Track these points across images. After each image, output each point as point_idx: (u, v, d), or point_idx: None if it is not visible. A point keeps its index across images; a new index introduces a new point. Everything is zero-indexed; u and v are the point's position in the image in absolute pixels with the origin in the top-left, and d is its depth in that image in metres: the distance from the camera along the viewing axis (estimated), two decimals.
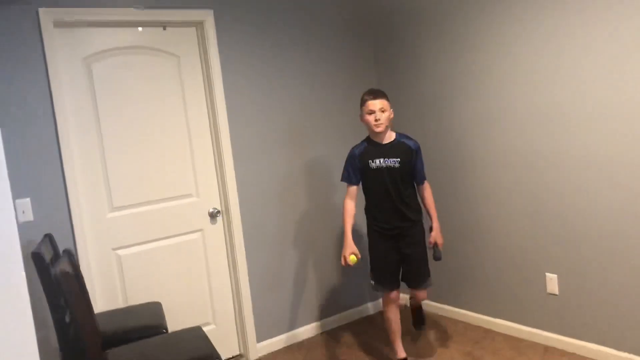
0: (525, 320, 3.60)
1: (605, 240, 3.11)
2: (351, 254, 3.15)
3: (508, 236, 3.61)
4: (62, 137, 3.05)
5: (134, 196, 3.36)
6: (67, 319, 2.50)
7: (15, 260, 1.42)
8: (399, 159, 3.20)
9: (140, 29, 3.36)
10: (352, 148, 3.32)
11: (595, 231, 3.14)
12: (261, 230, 3.77)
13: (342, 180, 3.33)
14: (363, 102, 3.21)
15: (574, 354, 3.33)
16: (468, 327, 3.89)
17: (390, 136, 3.26)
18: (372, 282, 3.34)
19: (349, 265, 3.18)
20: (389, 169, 3.20)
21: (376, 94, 3.19)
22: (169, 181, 3.47)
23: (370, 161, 3.21)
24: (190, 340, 2.41)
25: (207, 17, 3.48)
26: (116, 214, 3.30)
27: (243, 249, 3.68)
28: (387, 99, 3.21)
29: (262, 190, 3.77)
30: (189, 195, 3.56)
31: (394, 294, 3.30)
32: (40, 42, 2.98)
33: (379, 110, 3.14)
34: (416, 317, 3.65)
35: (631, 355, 3.08)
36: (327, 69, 4.06)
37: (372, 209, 3.31)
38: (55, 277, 2.06)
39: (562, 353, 3.35)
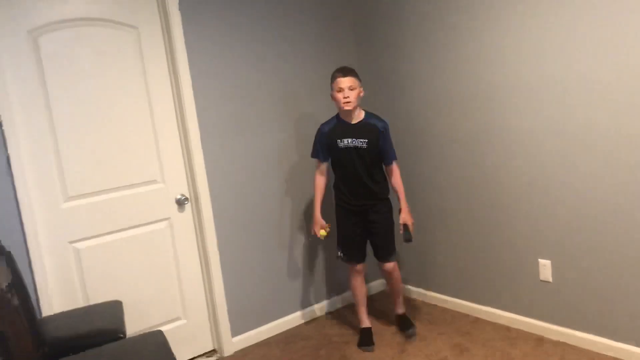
0: (516, 308, 3.39)
1: (602, 224, 2.88)
2: (321, 229, 3.33)
3: (498, 219, 3.38)
4: (5, 120, 2.73)
5: (92, 184, 3.06)
6: None
7: None
8: (366, 140, 3.21)
9: None
10: (321, 125, 3.35)
11: (592, 214, 2.91)
12: (234, 217, 3.49)
13: (311, 156, 3.40)
14: (333, 79, 3.20)
15: (567, 344, 3.13)
16: (456, 315, 3.67)
17: (359, 115, 3.26)
18: (340, 254, 3.42)
19: (321, 238, 3.37)
20: (356, 148, 3.22)
21: (345, 71, 3.17)
22: (130, 166, 3.17)
23: (338, 140, 3.24)
24: (147, 349, 2.15)
25: None
26: (72, 203, 3.00)
27: (214, 237, 3.40)
28: (358, 77, 3.20)
29: (234, 173, 3.48)
30: (153, 182, 3.26)
31: (359, 266, 3.40)
32: None
33: (348, 88, 3.13)
34: (402, 324, 3.51)
35: (627, 346, 2.89)
36: (304, 44, 3.74)
37: (340, 185, 3.35)
38: None
39: (556, 343, 3.15)
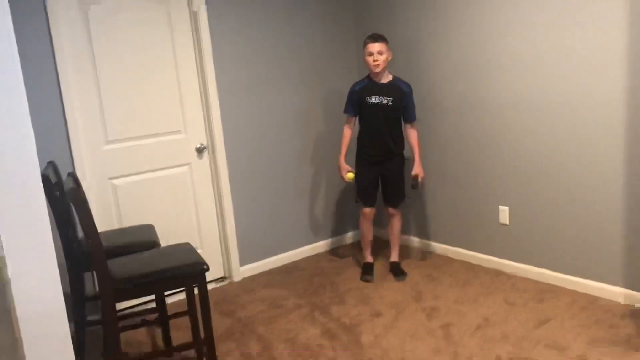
0: (479, 247, 4.03)
1: (552, 175, 3.50)
2: (348, 172, 3.83)
3: (466, 172, 3.99)
4: (61, 75, 3.33)
5: (127, 131, 3.67)
6: (71, 235, 2.88)
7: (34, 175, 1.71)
8: (392, 98, 3.71)
9: None
10: (353, 84, 3.86)
11: (545, 167, 3.53)
12: (246, 164, 4.11)
13: (344, 112, 3.90)
14: (364, 45, 3.69)
15: (519, 276, 3.76)
16: (429, 255, 4.32)
17: (388, 77, 3.77)
18: (357, 199, 3.96)
19: (348, 181, 3.88)
20: (382, 105, 3.71)
21: (376, 37, 3.66)
22: (159, 118, 3.78)
23: (367, 97, 3.72)
24: (181, 252, 2.76)
25: None
26: (111, 146, 3.62)
27: (228, 181, 4.03)
28: (386, 43, 3.68)
29: (247, 126, 4.09)
30: (177, 132, 3.87)
31: (369, 210, 3.92)
32: None
33: (377, 53, 3.62)
34: (395, 271, 4.00)
35: (567, 276, 3.52)
36: (309, 15, 4.32)
37: (363, 138, 3.84)
38: (68, 193, 2.40)
39: (510, 276, 3.79)
